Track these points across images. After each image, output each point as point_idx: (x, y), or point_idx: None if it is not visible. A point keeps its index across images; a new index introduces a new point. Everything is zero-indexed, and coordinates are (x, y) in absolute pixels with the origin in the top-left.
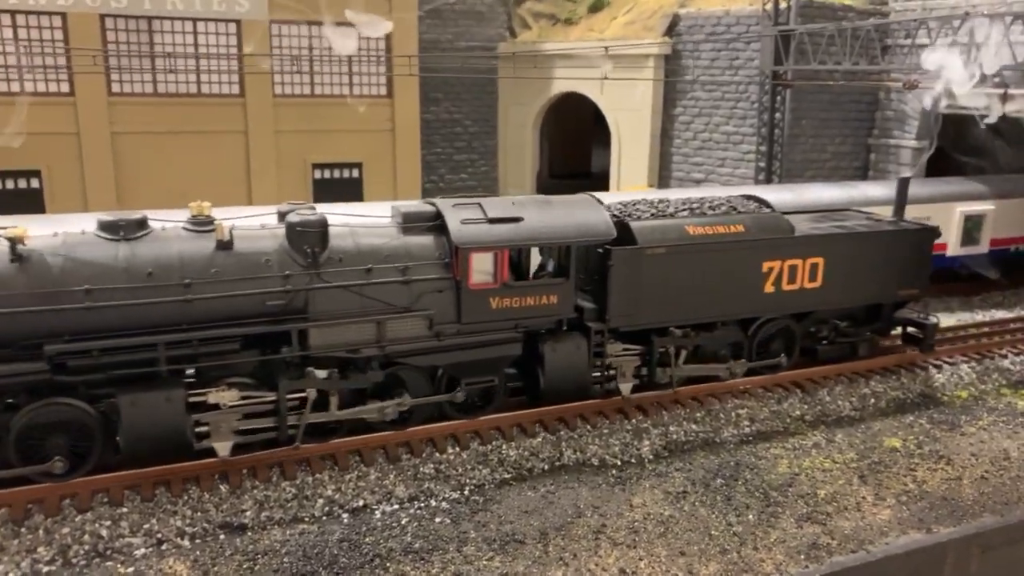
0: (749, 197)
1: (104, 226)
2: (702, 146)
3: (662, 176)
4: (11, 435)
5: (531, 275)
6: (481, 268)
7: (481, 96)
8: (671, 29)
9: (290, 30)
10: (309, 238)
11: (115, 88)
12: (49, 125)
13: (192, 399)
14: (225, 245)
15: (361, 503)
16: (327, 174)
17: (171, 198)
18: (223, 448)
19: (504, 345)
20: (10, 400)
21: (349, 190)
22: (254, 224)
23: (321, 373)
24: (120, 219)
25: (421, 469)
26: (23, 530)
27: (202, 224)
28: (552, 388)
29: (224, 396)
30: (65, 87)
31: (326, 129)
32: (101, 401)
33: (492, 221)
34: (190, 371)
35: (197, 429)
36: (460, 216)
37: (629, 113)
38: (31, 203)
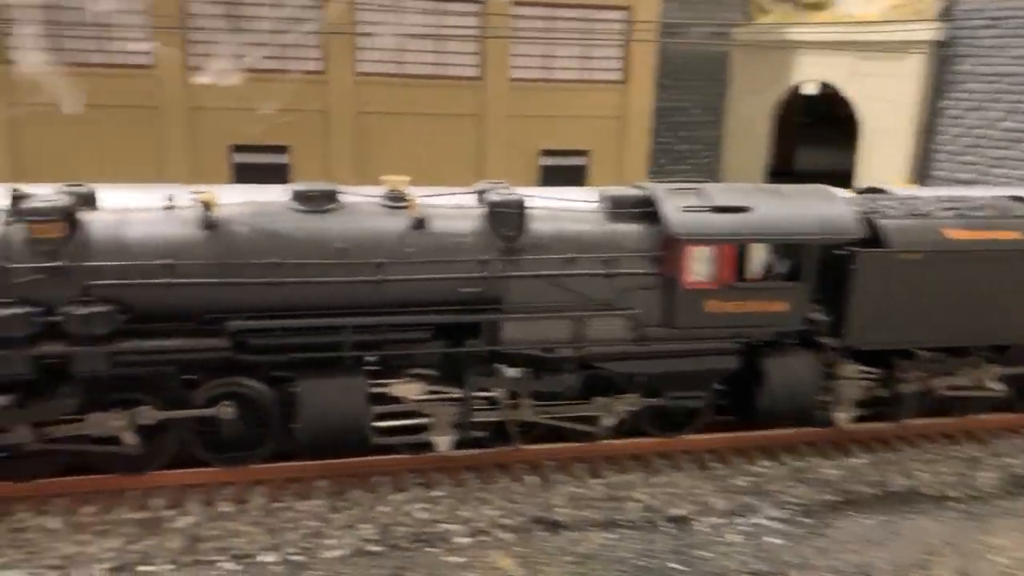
0: (1017, 198)
1: (298, 195)
2: (975, 143)
3: (921, 175)
4: (193, 408)
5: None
6: (699, 264)
7: (710, 84)
8: (945, 13)
9: (532, 11)
10: (508, 220)
11: (361, 68)
12: (301, 103)
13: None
14: (419, 224)
15: (679, 512)
16: (554, 161)
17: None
18: (443, 443)
19: (719, 356)
20: (191, 376)
21: (574, 178)
22: (450, 202)
23: (512, 371)
24: (311, 189)
25: (733, 481)
26: (341, 503)
27: (395, 200)
28: (771, 410)
29: (409, 389)
30: (318, 66)
31: (557, 115)
32: (278, 384)
33: (716, 210)
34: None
35: (376, 423)
36: (678, 203)
37: (884, 105)
38: (277, 177)
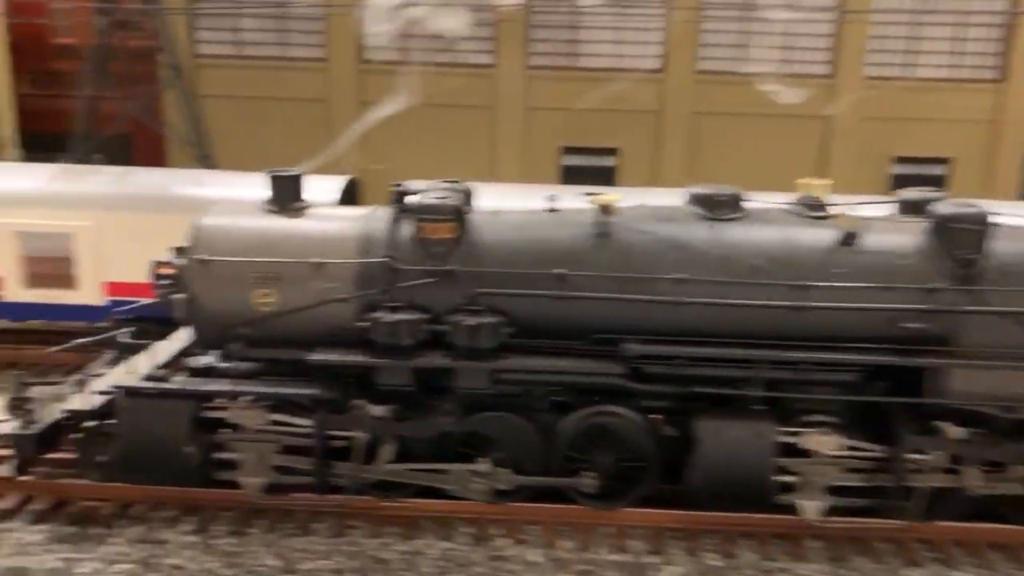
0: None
1: (699, 200)
2: None
3: None
4: (560, 440)
5: None
6: None
7: None
8: None
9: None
10: (965, 238)
11: (700, 67)
12: (634, 102)
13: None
14: (849, 238)
15: None
16: (909, 169)
17: (740, 184)
18: (812, 508)
19: None
20: (562, 399)
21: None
22: (875, 215)
23: (957, 431)
24: (715, 193)
25: None
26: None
27: (814, 208)
28: None
29: (823, 443)
30: (656, 64)
31: (916, 117)
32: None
33: None
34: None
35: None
36: None
37: None
38: (604, 181)
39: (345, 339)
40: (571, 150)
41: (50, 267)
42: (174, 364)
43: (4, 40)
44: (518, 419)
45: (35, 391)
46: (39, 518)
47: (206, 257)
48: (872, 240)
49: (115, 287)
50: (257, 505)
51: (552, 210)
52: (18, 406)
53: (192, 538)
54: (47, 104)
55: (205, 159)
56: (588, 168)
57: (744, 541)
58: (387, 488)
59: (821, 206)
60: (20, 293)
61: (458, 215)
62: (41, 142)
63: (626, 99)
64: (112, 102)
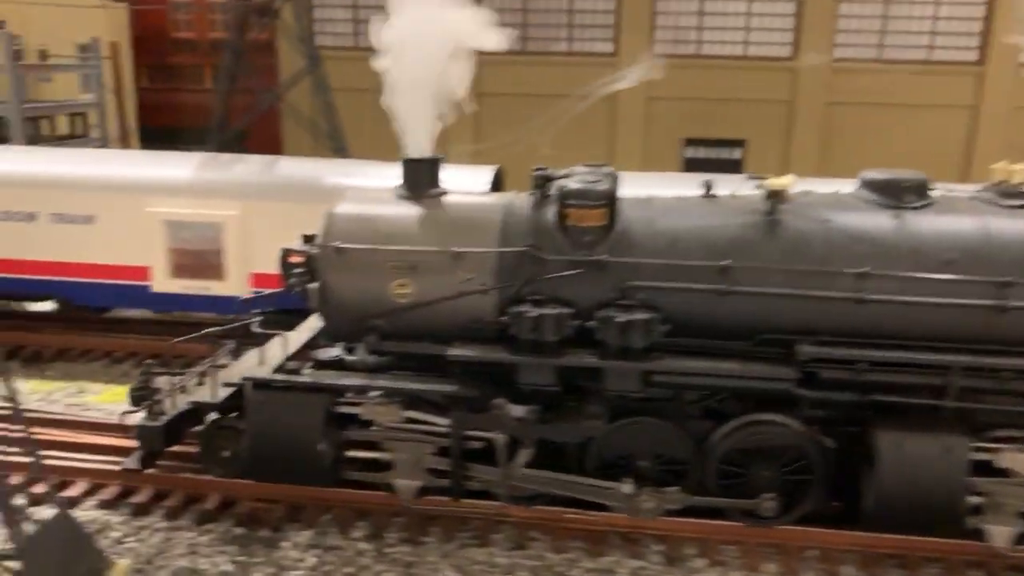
0: None
1: (875, 185)
2: None
3: None
4: (714, 454)
5: None
6: None
7: None
8: None
9: None
10: None
11: (838, 54)
12: (763, 92)
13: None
14: None
15: None
16: None
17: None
18: (1003, 535)
19: None
20: (715, 405)
21: None
22: None
23: None
24: (899, 179)
25: None
26: None
27: (1013, 196)
28: None
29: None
30: (786, 52)
31: None
32: (832, 429)
33: None
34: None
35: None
36: None
37: None
38: (729, 173)
39: (485, 334)
40: (694, 142)
41: (197, 257)
42: (300, 356)
43: (127, 33)
44: (672, 426)
45: (161, 381)
46: (205, 518)
47: (342, 245)
48: None
49: (260, 278)
50: (410, 509)
51: (709, 196)
52: (142, 397)
53: (365, 545)
54: (163, 98)
55: (340, 151)
56: (712, 161)
57: (929, 569)
58: (531, 495)
59: (1020, 194)
60: (166, 284)
61: (609, 200)
62: (156, 136)
63: (756, 89)
64: (242, 94)
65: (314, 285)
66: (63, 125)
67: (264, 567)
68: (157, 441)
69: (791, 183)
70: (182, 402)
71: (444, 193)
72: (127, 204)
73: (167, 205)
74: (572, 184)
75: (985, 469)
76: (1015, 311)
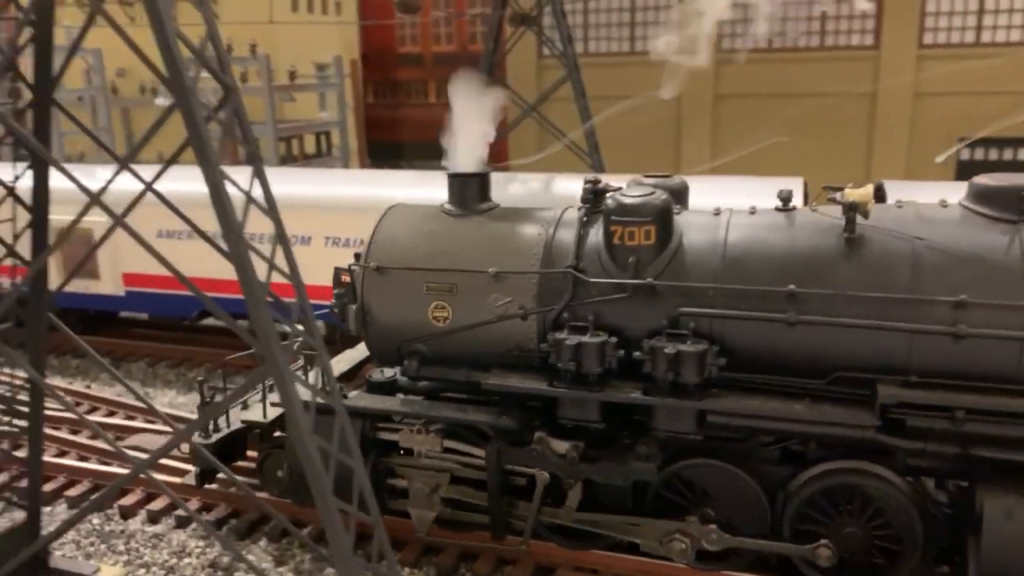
0: None
1: (986, 195)
2: None
3: None
4: (793, 501)
5: None
6: None
7: None
8: None
9: None
10: None
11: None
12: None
13: None
14: None
15: None
16: None
17: None
18: None
19: None
20: (795, 447)
21: None
22: None
23: None
24: (1016, 186)
25: None
26: None
27: None
28: None
29: None
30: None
31: None
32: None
33: None
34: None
35: None
36: None
37: None
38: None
39: (526, 361)
40: (972, 142)
41: None
42: (353, 376)
43: (357, 50)
44: (736, 471)
45: (219, 397)
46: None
47: (376, 265)
48: None
49: None
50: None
51: (785, 208)
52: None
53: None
54: (387, 114)
55: (595, 165)
56: (992, 163)
57: None
58: (570, 534)
59: None
60: None
61: (660, 217)
62: (380, 151)
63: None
64: None
65: (354, 307)
66: (309, 144)
67: None
68: (209, 459)
69: (870, 195)
70: (239, 420)
71: (492, 208)
72: None
73: None
74: (621, 198)
75: None
76: None
